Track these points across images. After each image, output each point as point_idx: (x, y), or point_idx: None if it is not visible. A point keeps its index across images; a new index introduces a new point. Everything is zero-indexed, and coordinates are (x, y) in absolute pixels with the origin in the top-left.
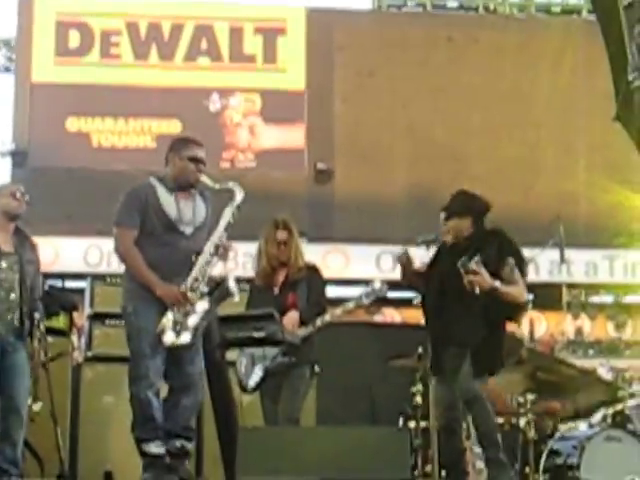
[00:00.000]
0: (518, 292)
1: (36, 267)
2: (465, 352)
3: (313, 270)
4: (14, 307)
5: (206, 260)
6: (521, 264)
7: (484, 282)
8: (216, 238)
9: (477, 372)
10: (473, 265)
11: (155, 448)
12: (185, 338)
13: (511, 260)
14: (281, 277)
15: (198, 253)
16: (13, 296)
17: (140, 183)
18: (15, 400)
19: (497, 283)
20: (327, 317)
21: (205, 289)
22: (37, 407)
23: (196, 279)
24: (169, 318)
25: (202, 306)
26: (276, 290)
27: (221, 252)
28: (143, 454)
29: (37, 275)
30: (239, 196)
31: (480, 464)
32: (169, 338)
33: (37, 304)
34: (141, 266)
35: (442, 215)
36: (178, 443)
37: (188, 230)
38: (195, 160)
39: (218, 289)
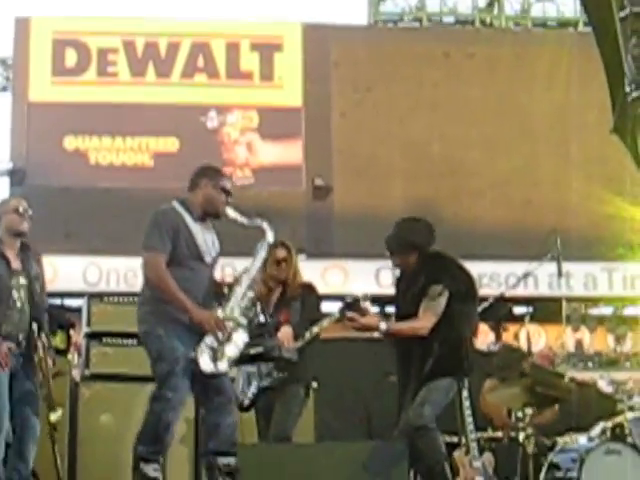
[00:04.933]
0: (410, 329)
1: (42, 282)
2: (422, 380)
3: (308, 288)
4: (27, 328)
5: (242, 293)
6: (457, 285)
7: (366, 326)
8: (253, 272)
9: (433, 373)
10: (348, 311)
11: (153, 472)
12: (222, 367)
13: (436, 288)
14: (276, 296)
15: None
16: (25, 317)
17: (165, 207)
18: (30, 420)
19: (383, 325)
20: (315, 329)
21: (242, 320)
22: (55, 416)
23: (232, 308)
24: (207, 344)
25: (242, 338)
26: (270, 309)
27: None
28: (140, 473)
29: (43, 290)
30: (270, 236)
31: (480, 479)
32: (207, 366)
33: (44, 320)
34: (177, 291)
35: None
36: (226, 460)
37: (209, 259)
38: (226, 192)
39: (254, 319)
